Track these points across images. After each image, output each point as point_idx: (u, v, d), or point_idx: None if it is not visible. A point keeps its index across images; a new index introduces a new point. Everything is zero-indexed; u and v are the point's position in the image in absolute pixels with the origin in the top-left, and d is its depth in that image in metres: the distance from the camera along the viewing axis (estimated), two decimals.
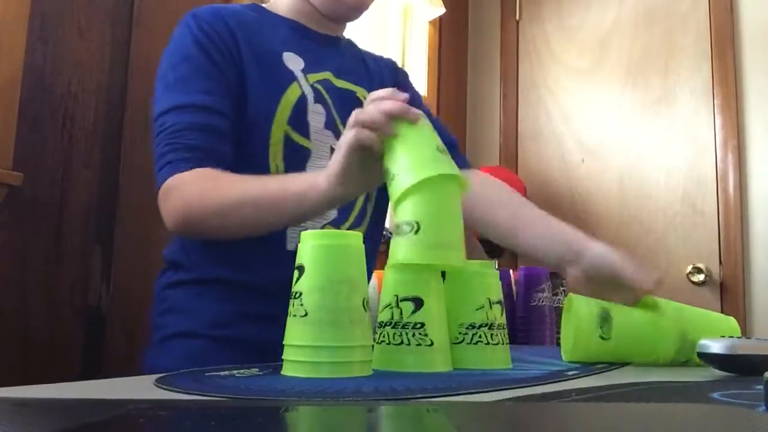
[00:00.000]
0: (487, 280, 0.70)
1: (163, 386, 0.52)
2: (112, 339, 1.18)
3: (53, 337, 1.11)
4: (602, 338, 0.73)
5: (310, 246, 0.60)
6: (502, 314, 0.69)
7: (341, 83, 1.01)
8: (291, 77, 0.93)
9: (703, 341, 0.63)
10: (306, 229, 0.65)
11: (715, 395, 0.48)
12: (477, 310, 0.68)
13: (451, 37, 2.55)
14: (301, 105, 0.93)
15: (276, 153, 0.91)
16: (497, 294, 0.70)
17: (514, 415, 0.36)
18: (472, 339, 0.67)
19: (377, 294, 1.21)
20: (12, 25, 1.06)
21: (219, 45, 0.89)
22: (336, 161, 0.72)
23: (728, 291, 2.08)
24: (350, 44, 1.10)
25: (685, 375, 0.64)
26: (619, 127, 2.34)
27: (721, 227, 2.11)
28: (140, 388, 0.53)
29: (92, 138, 1.20)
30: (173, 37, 0.92)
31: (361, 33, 1.88)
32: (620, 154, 2.32)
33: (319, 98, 0.95)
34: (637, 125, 2.30)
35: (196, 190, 0.82)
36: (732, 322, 0.78)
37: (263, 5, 1.02)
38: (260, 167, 0.90)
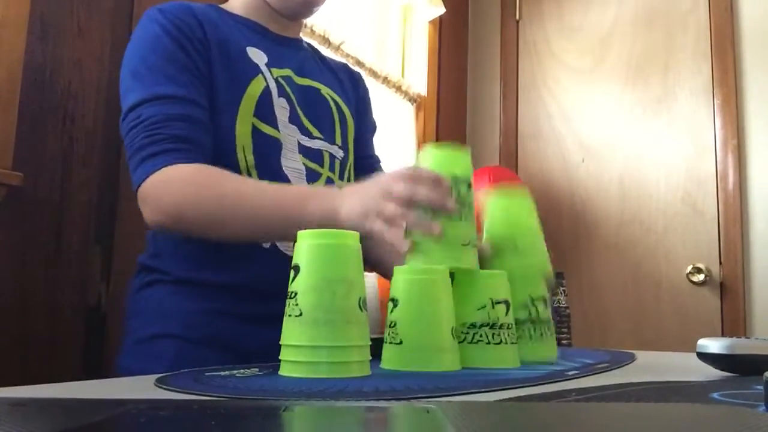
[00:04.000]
0: (490, 280, 0.70)
1: (163, 386, 0.52)
2: (112, 339, 1.18)
3: (53, 337, 1.11)
4: None
5: (306, 245, 0.59)
6: (507, 313, 0.70)
7: (303, 80, 1.02)
8: (256, 70, 0.94)
9: (702, 341, 0.64)
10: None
11: (715, 395, 0.48)
12: (478, 309, 0.69)
13: (451, 37, 2.55)
14: (266, 97, 0.93)
15: (245, 145, 0.90)
16: (502, 294, 0.70)
17: (514, 415, 0.36)
18: (473, 338, 0.68)
19: (377, 294, 1.20)
20: (12, 25, 1.06)
21: (189, 35, 0.89)
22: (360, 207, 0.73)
23: (728, 291, 2.08)
24: (309, 46, 1.12)
25: (685, 375, 0.64)
26: (619, 127, 2.34)
27: (721, 227, 2.11)
28: (140, 388, 0.53)
29: (92, 138, 1.20)
30: (138, 30, 0.90)
31: (361, 33, 1.91)
32: (620, 154, 2.32)
33: (282, 93, 0.96)
34: (637, 125, 2.30)
35: (203, 187, 0.81)
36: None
37: (221, 6, 1.02)
38: (228, 159, 0.89)
